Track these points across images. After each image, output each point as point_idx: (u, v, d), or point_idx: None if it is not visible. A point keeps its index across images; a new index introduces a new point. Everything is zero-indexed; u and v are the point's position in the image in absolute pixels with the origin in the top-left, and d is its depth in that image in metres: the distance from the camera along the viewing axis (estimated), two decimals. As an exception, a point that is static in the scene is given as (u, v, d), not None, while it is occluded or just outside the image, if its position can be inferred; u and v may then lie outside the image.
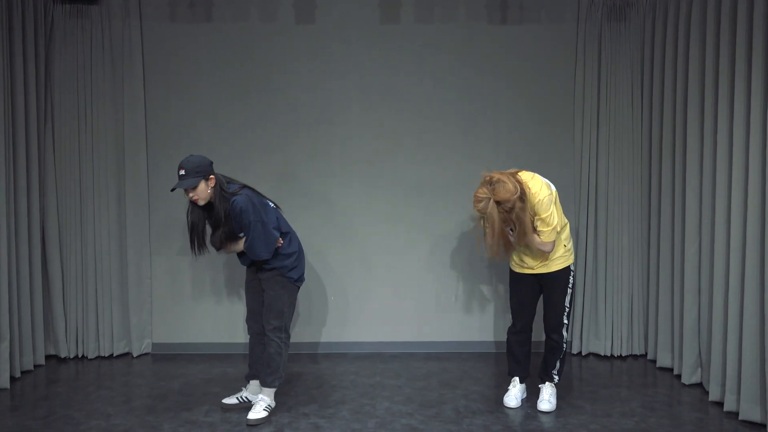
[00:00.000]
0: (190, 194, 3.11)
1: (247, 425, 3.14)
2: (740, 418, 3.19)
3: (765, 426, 3.06)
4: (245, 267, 3.44)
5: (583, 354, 4.43)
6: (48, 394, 3.64)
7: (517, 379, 3.51)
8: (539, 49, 4.45)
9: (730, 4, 3.28)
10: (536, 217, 3.18)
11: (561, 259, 3.34)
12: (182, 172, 3.07)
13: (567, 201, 4.41)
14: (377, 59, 4.44)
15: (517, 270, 3.43)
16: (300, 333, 4.46)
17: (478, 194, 3.08)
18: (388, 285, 4.51)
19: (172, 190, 3.21)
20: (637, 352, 4.40)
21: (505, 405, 3.42)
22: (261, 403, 3.25)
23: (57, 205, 4.28)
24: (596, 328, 4.42)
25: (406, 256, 4.50)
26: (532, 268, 3.36)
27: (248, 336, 3.49)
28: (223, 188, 3.15)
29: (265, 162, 4.42)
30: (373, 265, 4.50)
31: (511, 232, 3.19)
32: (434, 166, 4.47)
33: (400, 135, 4.47)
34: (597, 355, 4.42)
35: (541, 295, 3.47)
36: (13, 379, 3.81)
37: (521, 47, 4.45)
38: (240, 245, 3.23)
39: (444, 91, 4.45)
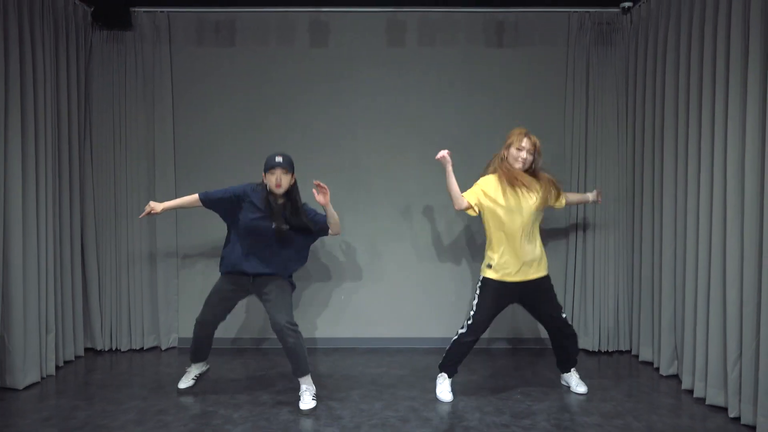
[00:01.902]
0: (280, 177, 3.53)
1: (303, 414, 3.46)
2: (707, 402, 3.58)
3: (727, 409, 3.43)
4: (223, 276, 3.74)
5: (573, 349, 4.82)
6: (89, 381, 4.07)
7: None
8: (532, 70, 4.85)
9: (701, 32, 3.68)
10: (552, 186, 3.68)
11: (545, 262, 3.72)
12: (279, 159, 3.53)
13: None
14: (384, 79, 4.86)
15: (510, 279, 3.58)
16: (313, 329, 4.88)
17: (523, 135, 3.61)
18: (395, 286, 4.91)
19: (271, 166, 3.54)
20: (622, 348, 4.78)
21: (444, 400, 3.64)
22: (308, 393, 3.59)
23: (94, 213, 4.72)
24: (585, 326, 4.80)
25: (411, 261, 4.91)
26: (527, 274, 3.59)
27: (201, 332, 3.73)
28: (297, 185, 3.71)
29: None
30: (381, 268, 4.91)
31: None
32: (436, 177, 4.84)
33: (404, 148, 4.88)
34: (585, 351, 4.79)
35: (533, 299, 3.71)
36: (57, 367, 4.25)
37: (516, 68, 4.86)
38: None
39: (445, 108, 4.87)
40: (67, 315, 4.41)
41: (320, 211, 3.80)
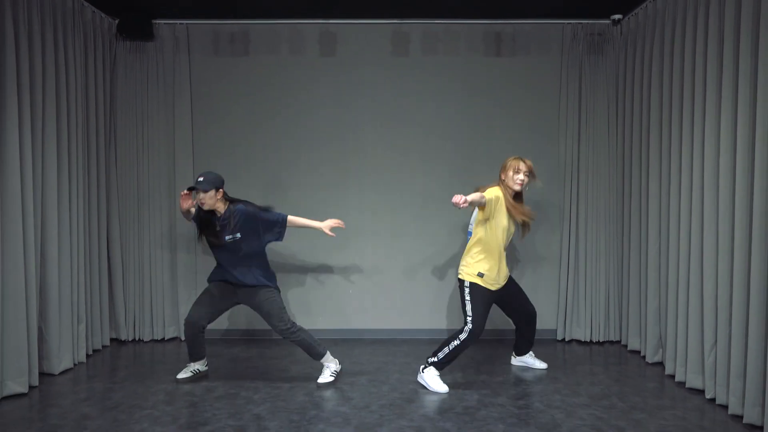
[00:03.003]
0: (200, 196, 3.77)
1: (318, 387, 3.91)
2: (687, 386, 3.90)
3: (704, 391, 3.76)
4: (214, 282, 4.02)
5: (566, 340, 5.15)
6: (117, 367, 4.40)
7: None
8: (528, 78, 5.17)
9: (682, 44, 3.99)
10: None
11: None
12: (201, 179, 3.78)
13: (552, 208, 5.15)
14: (389, 85, 5.18)
15: (494, 288, 3.94)
16: (323, 321, 5.21)
17: (519, 160, 3.95)
18: (399, 280, 5.24)
19: (189, 189, 3.82)
20: (612, 338, 5.10)
21: (443, 392, 3.85)
22: (327, 369, 4.01)
23: (119, 212, 5.05)
24: (577, 318, 5.12)
25: (413, 255, 5.23)
26: (502, 283, 4.00)
27: (188, 331, 3.96)
28: (228, 197, 3.92)
29: (291, 173, 5.16)
30: (385, 263, 5.24)
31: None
32: (437, 177, 5.18)
33: (407, 150, 5.20)
34: (578, 341, 5.12)
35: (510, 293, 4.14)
36: (87, 355, 4.58)
37: (513, 76, 5.17)
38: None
39: (446, 113, 5.19)
40: (95, 307, 4.74)
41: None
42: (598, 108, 5.08)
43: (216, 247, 3.93)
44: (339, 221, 4.09)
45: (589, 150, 5.09)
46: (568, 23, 5.07)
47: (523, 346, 4.38)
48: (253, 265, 3.93)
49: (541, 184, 4.26)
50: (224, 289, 4.01)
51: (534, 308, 4.28)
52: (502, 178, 4.00)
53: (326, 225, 4.06)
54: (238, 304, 4.09)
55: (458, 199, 3.46)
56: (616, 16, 4.99)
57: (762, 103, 3.16)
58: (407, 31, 5.15)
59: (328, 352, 4.05)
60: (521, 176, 3.94)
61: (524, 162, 3.96)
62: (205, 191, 3.79)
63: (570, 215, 5.11)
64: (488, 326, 5.10)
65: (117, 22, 4.94)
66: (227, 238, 3.86)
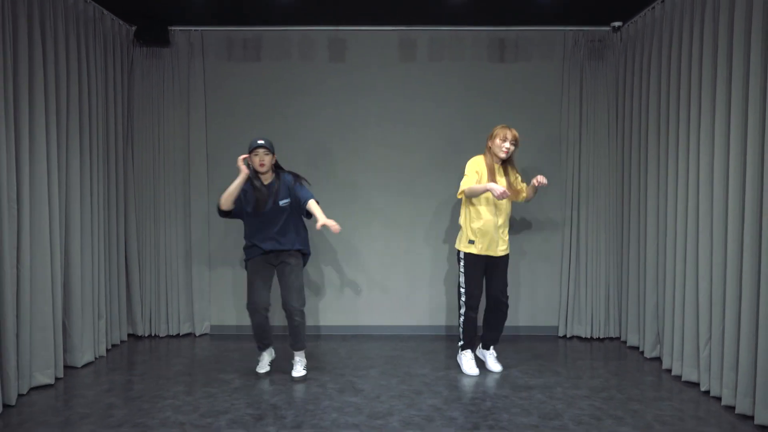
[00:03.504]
0: (262, 157, 3.94)
1: (295, 380, 4.07)
2: (683, 379, 4.08)
3: (699, 384, 3.93)
4: (253, 259, 4.12)
5: (568, 336, 5.32)
6: (136, 360, 4.58)
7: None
8: (531, 82, 5.35)
9: (679, 50, 4.16)
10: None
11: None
12: (261, 141, 3.96)
13: (554, 206, 5.34)
14: (396, 89, 5.36)
15: (488, 253, 4.16)
16: (333, 317, 5.39)
17: (506, 128, 4.16)
18: (406, 278, 5.42)
19: (251, 149, 3.94)
20: (612, 334, 5.28)
21: (472, 374, 4.19)
22: (300, 364, 4.16)
23: (135, 212, 5.23)
24: (578, 315, 5.30)
25: (420, 253, 5.41)
26: (497, 252, 4.19)
27: (255, 317, 4.09)
28: (279, 164, 4.15)
29: (300, 172, 5.28)
30: (393, 261, 5.42)
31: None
32: (442, 177, 5.34)
33: (413, 150, 5.38)
34: (579, 338, 5.30)
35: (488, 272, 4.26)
36: (106, 350, 4.76)
37: (516, 80, 5.35)
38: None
39: (451, 116, 5.36)
40: (114, 304, 4.92)
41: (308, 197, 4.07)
42: (598, 111, 5.25)
43: (262, 215, 4.02)
44: (336, 226, 3.88)
45: (589, 151, 5.26)
46: (569, 30, 5.24)
47: (485, 334, 4.43)
48: (293, 230, 4.11)
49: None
50: (266, 261, 4.13)
51: (506, 299, 4.30)
52: (489, 145, 4.23)
53: (328, 221, 3.95)
54: (275, 269, 4.19)
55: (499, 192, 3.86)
56: (616, 24, 5.16)
57: (753, 108, 3.33)
58: (414, 37, 5.32)
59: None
60: (507, 144, 4.17)
61: (510, 131, 4.18)
62: (268, 151, 3.97)
63: (571, 215, 5.28)
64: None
65: (134, 29, 5.13)
66: (281, 203, 4.02)
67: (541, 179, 4.14)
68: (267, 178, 4.09)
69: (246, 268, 4.23)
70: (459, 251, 4.26)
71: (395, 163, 5.39)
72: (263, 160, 3.99)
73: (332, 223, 3.81)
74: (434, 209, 5.38)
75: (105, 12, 4.74)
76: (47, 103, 3.94)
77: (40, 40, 3.85)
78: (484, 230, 4.16)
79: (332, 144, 5.37)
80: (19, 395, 3.69)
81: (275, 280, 4.25)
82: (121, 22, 5.01)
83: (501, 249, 4.24)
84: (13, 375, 3.55)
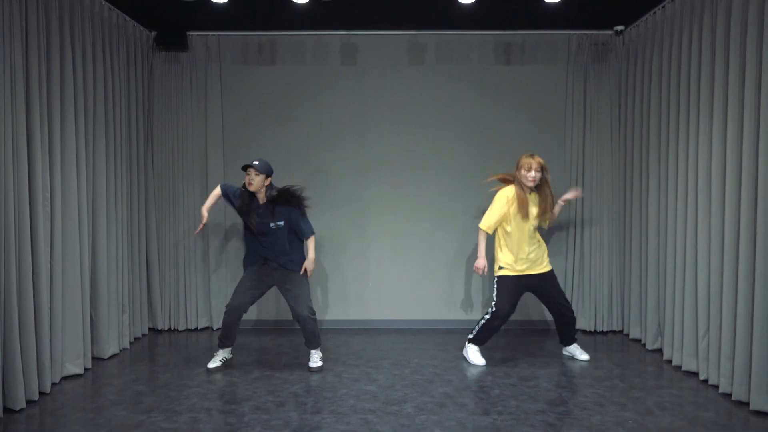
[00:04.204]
0: (252, 176, 4.12)
1: (313, 371, 4.27)
2: (683, 369, 4.26)
3: (698, 373, 4.12)
4: (250, 267, 4.34)
5: (572, 330, 5.51)
6: (158, 352, 4.79)
7: None
8: (536, 84, 5.53)
9: (679, 53, 4.34)
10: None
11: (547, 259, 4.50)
12: (256, 162, 4.17)
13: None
14: (405, 91, 5.54)
15: (517, 272, 4.33)
16: (345, 312, 5.59)
17: (530, 158, 4.31)
18: (417, 273, 5.60)
19: (244, 167, 4.17)
20: (615, 328, 5.46)
21: (479, 364, 4.41)
22: (316, 355, 4.36)
23: (155, 210, 5.43)
24: (582, 309, 5.48)
25: (430, 250, 5.60)
26: (524, 268, 4.36)
27: (228, 317, 4.24)
28: (274, 186, 4.30)
29: (314, 172, 5.54)
30: (404, 257, 5.60)
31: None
32: (451, 175, 5.53)
33: (423, 150, 5.56)
34: (583, 331, 5.48)
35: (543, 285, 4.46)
36: (130, 342, 4.96)
37: (522, 83, 5.53)
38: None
39: (459, 117, 5.54)
40: (136, 299, 5.13)
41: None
42: (601, 113, 5.43)
43: (257, 231, 4.23)
44: (310, 269, 4.33)
45: (593, 152, 5.44)
46: (573, 34, 5.42)
47: (561, 336, 4.63)
48: (290, 251, 4.28)
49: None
50: (261, 272, 4.31)
51: (567, 305, 4.46)
52: (517, 176, 4.38)
53: (308, 267, 4.33)
54: (272, 286, 4.39)
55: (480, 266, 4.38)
56: (619, 27, 5.34)
57: (749, 110, 3.51)
58: (423, 41, 5.51)
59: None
60: (533, 174, 4.31)
61: (534, 160, 4.32)
62: (258, 172, 4.16)
63: (575, 213, 5.46)
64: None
65: (154, 34, 5.33)
66: (272, 225, 4.21)
67: (570, 196, 4.67)
68: (261, 198, 4.27)
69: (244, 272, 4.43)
70: (495, 275, 4.44)
71: (405, 162, 5.57)
72: (252, 179, 4.16)
73: (309, 269, 4.32)
74: (444, 206, 5.56)
75: (128, 19, 4.95)
76: (76, 108, 4.14)
77: (70, 47, 4.05)
78: (515, 258, 4.34)
79: (344, 144, 5.55)
80: (53, 384, 3.89)
81: (265, 294, 4.49)
82: (142, 28, 5.21)
83: (539, 267, 4.40)
84: (47, 364, 3.76)
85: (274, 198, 4.24)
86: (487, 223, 4.40)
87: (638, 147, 5.03)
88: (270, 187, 4.27)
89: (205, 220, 4.37)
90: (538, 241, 4.45)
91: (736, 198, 3.67)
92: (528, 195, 4.37)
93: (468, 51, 5.52)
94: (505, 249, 4.39)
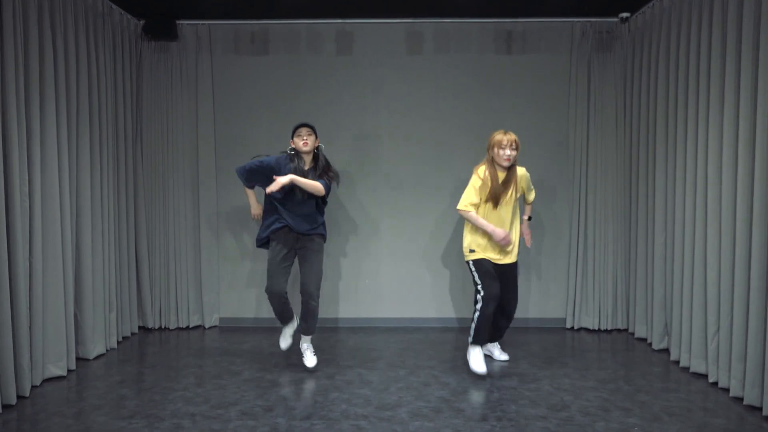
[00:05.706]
0: (307, 136, 4.10)
1: (308, 370, 4.12)
2: (691, 370, 4.09)
3: (707, 375, 3.94)
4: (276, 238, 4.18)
5: (575, 328, 5.33)
6: (147, 352, 4.63)
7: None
8: (539, 74, 5.33)
9: (687, 41, 4.15)
10: (528, 189, 4.23)
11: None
12: (305, 121, 4.18)
13: (562, 200, 5.33)
14: (403, 82, 5.36)
15: (494, 256, 4.08)
16: (340, 310, 5.42)
17: (504, 134, 3.96)
18: (414, 270, 5.43)
19: (298, 126, 4.15)
20: (620, 326, 5.28)
21: (480, 372, 3.99)
22: (309, 350, 4.20)
23: (145, 205, 5.26)
24: (586, 307, 5.30)
25: (428, 246, 5.42)
26: (500, 254, 4.12)
27: (274, 301, 4.12)
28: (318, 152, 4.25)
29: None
30: (401, 254, 5.43)
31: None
32: (450, 168, 5.35)
33: (421, 142, 5.38)
34: (587, 330, 5.31)
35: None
36: (117, 342, 4.81)
37: (523, 73, 5.34)
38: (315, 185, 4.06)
39: (458, 108, 5.36)
40: (124, 296, 4.97)
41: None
42: (606, 103, 5.23)
43: (301, 197, 4.12)
44: (277, 185, 3.99)
45: (597, 144, 5.25)
46: (577, 21, 5.22)
47: (492, 332, 4.34)
48: (317, 214, 4.24)
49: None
50: (285, 243, 4.16)
51: (515, 303, 4.25)
52: (490, 156, 4.05)
53: (279, 180, 4.00)
54: (296, 253, 4.25)
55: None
56: (624, 14, 5.13)
57: (762, 99, 3.32)
58: (421, 30, 5.31)
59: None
60: (507, 152, 3.94)
61: (506, 136, 3.95)
62: (311, 131, 4.16)
63: (579, 208, 5.28)
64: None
65: (142, 23, 5.15)
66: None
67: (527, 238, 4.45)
68: (308, 163, 4.18)
69: (263, 246, 4.29)
70: (467, 261, 4.14)
71: (402, 155, 5.39)
72: (306, 140, 4.12)
73: (277, 183, 3.96)
74: (443, 201, 5.39)
75: (113, 6, 4.76)
76: (57, 98, 3.97)
77: (50, 36, 3.87)
78: (490, 244, 4.09)
79: (339, 136, 5.37)
80: (33, 387, 3.74)
81: (295, 266, 4.33)
82: (129, 16, 5.02)
83: (509, 258, 4.15)
84: (26, 367, 3.60)
85: (317, 162, 4.22)
86: (469, 200, 4.01)
87: (644, 139, 4.84)
88: (318, 148, 4.25)
89: (259, 211, 4.51)
90: (515, 229, 4.16)
91: (749, 191, 3.48)
92: (500, 174, 4.02)
93: (467, 40, 5.33)
94: (478, 232, 4.08)
